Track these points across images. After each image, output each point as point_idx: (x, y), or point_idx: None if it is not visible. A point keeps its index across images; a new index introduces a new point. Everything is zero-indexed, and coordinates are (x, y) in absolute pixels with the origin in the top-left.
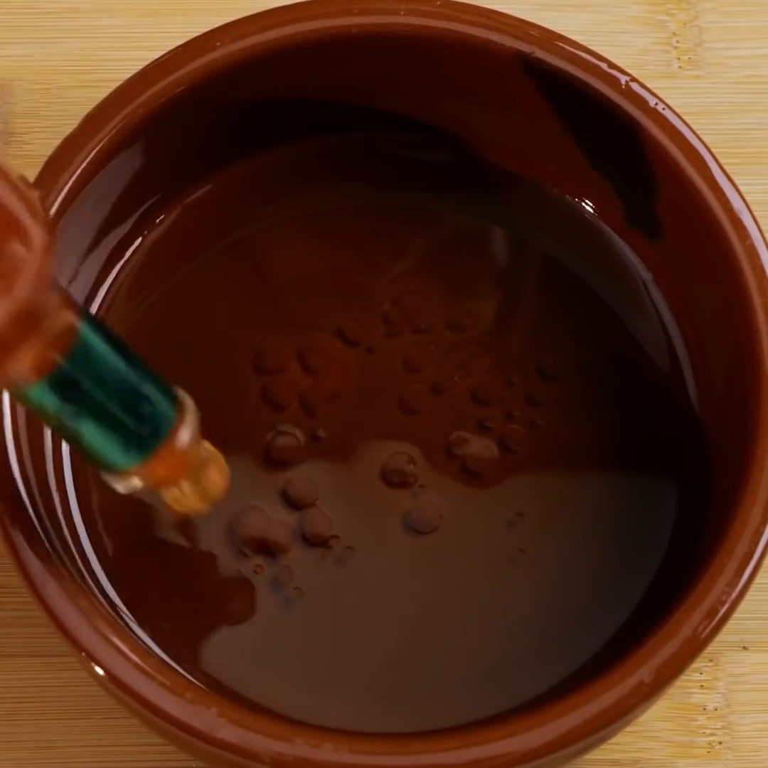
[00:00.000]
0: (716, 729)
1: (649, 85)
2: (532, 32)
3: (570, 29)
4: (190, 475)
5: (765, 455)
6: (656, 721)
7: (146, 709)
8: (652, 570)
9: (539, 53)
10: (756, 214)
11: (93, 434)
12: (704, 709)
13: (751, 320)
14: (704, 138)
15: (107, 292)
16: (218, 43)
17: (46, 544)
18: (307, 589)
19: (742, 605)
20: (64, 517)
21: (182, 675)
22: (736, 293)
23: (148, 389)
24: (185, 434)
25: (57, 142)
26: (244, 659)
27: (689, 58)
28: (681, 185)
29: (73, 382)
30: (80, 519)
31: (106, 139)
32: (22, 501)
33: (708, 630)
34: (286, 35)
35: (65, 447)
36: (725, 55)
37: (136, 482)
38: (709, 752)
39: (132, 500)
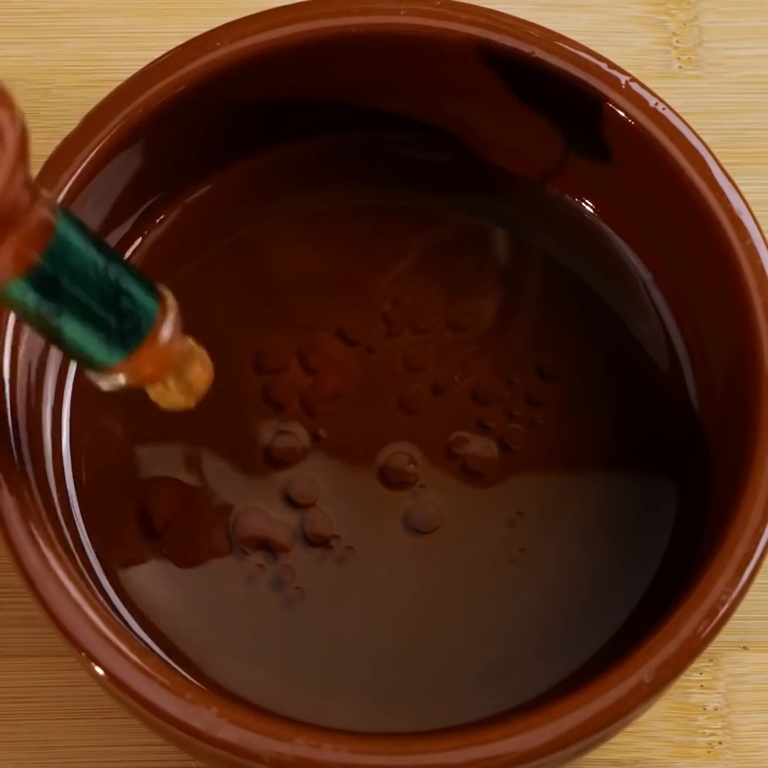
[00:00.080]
0: (716, 729)
1: (649, 85)
2: (532, 32)
3: (570, 29)
4: (174, 371)
5: (765, 455)
6: (656, 721)
7: (146, 709)
8: (652, 570)
9: (539, 53)
10: (756, 214)
11: (75, 331)
12: (704, 709)
13: (751, 320)
14: (704, 138)
15: None
16: (218, 43)
17: (46, 544)
18: (308, 588)
19: (742, 605)
20: (64, 517)
21: (182, 675)
22: (736, 293)
23: (129, 285)
24: (167, 330)
25: (57, 142)
26: (245, 659)
27: (689, 58)
28: (681, 185)
29: (52, 279)
30: (80, 519)
31: (106, 139)
32: (22, 501)
33: (708, 630)
34: (286, 35)
35: (65, 447)
36: (725, 55)
37: (121, 379)
38: (709, 752)
39: (132, 500)
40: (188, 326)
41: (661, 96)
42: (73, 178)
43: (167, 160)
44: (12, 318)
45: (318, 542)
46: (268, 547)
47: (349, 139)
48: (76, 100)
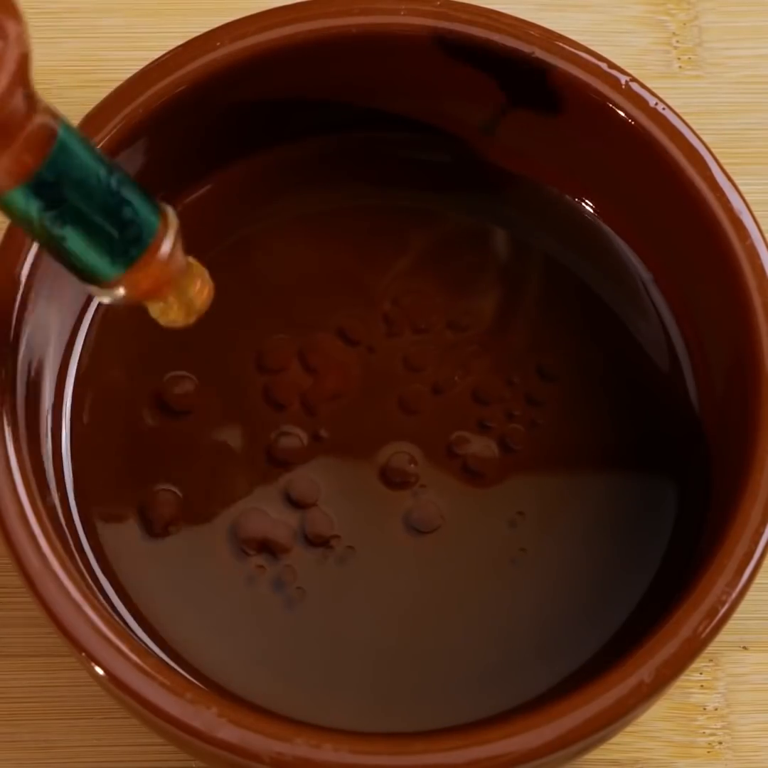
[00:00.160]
0: (716, 729)
1: (649, 85)
2: (532, 32)
3: (570, 29)
4: (175, 287)
5: (765, 455)
6: (656, 721)
7: (146, 709)
8: (652, 570)
9: (539, 53)
10: (756, 214)
11: (77, 241)
12: (704, 709)
13: (751, 320)
14: (704, 138)
15: None
16: (218, 43)
17: (46, 544)
18: (308, 589)
19: (742, 605)
20: (65, 518)
21: (182, 675)
22: (736, 293)
23: (131, 195)
24: (168, 244)
25: None
26: (245, 659)
27: (689, 58)
28: (681, 185)
29: (54, 186)
30: (80, 519)
31: (106, 139)
32: (22, 501)
33: (708, 630)
34: (286, 35)
35: (65, 447)
36: (725, 55)
37: (121, 293)
38: (709, 752)
39: (132, 500)
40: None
41: (661, 96)
42: None
43: (167, 160)
44: (12, 319)
45: (318, 542)
46: (268, 547)
47: (349, 139)
48: (76, 100)
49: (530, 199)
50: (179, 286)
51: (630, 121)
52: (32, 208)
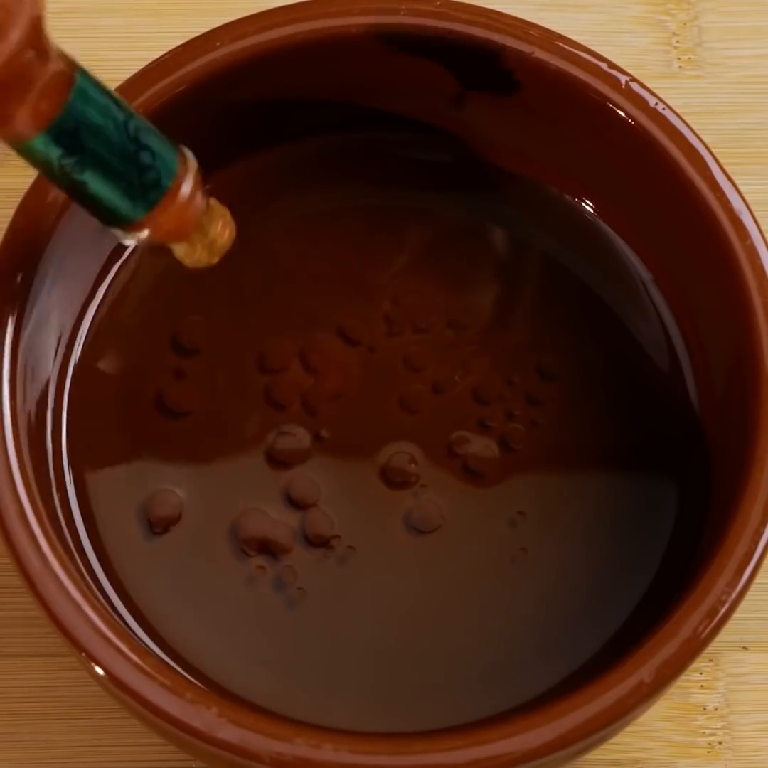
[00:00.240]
0: (716, 729)
1: (649, 85)
2: (532, 32)
3: (570, 29)
4: (197, 227)
5: (765, 455)
6: (656, 721)
7: (146, 709)
8: (652, 570)
9: (539, 53)
10: (756, 214)
11: (99, 185)
12: (704, 709)
13: (751, 320)
14: (704, 138)
15: (107, 292)
16: (218, 43)
17: (46, 544)
18: (309, 589)
19: (742, 605)
20: (64, 517)
21: (182, 675)
22: (736, 293)
23: (149, 139)
24: (188, 186)
25: None
26: (246, 659)
27: (689, 58)
28: (681, 185)
29: (73, 132)
30: (80, 519)
31: None
32: (22, 501)
33: (708, 630)
34: (286, 35)
35: (65, 446)
36: (725, 55)
37: (145, 235)
38: (709, 752)
39: (132, 500)
40: (189, 327)
41: (661, 96)
42: None
43: None
44: (12, 319)
45: (319, 542)
46: (269, 547)
47: (349, 139)
48: None
49: (530, 198)
50: (201, 227)
51: (630, 121)
52: (52, 154)
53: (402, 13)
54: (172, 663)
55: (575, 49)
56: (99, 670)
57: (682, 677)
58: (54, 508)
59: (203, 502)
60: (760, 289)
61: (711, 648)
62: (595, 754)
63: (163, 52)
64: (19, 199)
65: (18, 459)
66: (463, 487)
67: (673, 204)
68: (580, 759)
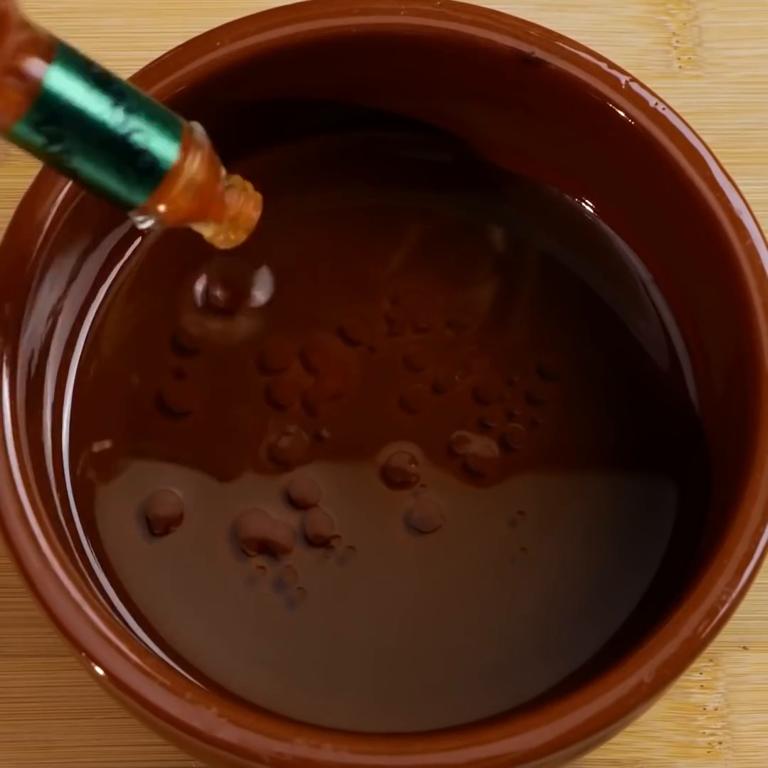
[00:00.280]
0: (716, 729)
1: (649, 85)
2: (532, 32)
3: (570, 29)
4: (218, 206)
5: (765, 455)
6: (656, 721)
7: (146, 709)
8: (652, 570)
9: (539, 53)
10: (756, 214)
11: (90, 172)
12: (704, 709)
13: (751, 320)
14: (704, 138)
15: (107, 292)
16: (218, 43)
17: (46, 544)
18: (309, 589)
19: (742, 605)
20: (64, 517)
21: (182, 675)
22: (736, 293)
23: (141, 124)
24: (194, 163)
25: None
26: (246, 659)
27: (689, 58)
28: (681, 185)
29: (52, 120)
30: (80, 519)
31: None
32: (22, 501)
33: (708, 630)
34: (286, 35)
35: (65, 446)
36: (725, 55)
37: (159, 216)
38: (709, 752)
39: (133, 501)
40: (189, 327)
41: (661, 96)
42: None
43: None
44: (12, 319)
45: (319, 542)
46: (269, 547)
47: (349, 139)
48: None
49: (530, 198)
50: (223, 204)
51: (630, 121)
52: (36, 143)
53: (402, 13)
54: (172, 663)
55: (575, 49)
56: (99, 670)
57: (682, 677)
58: (54, 508)
59: (203, 502)
60: (760, 289)
61: (711, 648)
62: (595, 754)
63: (163, 52)
64: (19, 199)
65: (18, 459)
66: (463, 487)
67: (673, 204)
68: (580, 759)
